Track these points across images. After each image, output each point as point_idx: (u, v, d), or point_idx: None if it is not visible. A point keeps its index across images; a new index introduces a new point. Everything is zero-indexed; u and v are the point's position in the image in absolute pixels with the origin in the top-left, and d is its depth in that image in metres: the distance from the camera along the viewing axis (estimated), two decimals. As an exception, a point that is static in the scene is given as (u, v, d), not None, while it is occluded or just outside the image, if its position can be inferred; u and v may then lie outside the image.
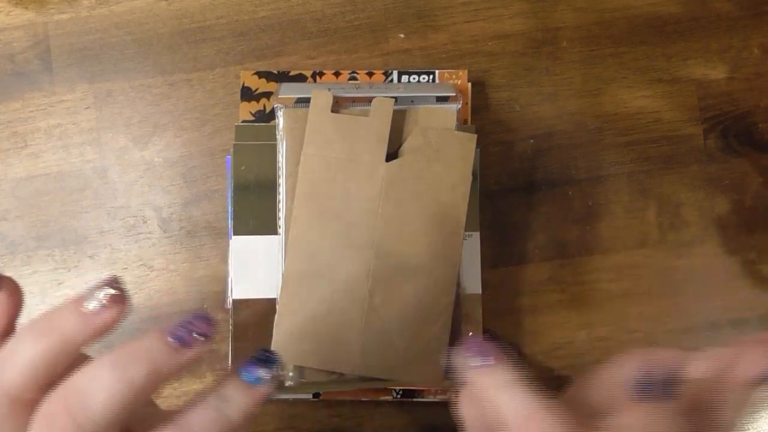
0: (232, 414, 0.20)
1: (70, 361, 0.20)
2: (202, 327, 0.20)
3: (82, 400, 0.18)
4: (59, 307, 0.20)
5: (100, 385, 0.18)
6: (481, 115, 0.44)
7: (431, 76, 0.43)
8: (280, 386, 0.39)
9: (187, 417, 0.20)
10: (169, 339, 0.20)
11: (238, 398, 0.20)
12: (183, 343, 0.20)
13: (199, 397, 0.21)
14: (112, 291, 0.20)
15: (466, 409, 0.28)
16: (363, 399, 0.41)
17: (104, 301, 0.20)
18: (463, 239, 0.39)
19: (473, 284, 0.41)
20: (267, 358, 0.21)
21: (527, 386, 0.23)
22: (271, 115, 0.42)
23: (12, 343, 0.19)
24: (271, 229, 0.40)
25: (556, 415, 0.22)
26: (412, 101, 0.40)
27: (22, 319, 0.43)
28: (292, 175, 0.39)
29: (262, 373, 0.21)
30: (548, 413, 0.22)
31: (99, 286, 0.20)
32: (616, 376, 0.24)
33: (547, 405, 0.23)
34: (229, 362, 0.40)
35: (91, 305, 0.20)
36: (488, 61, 0.44)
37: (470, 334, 0.25)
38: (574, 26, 0.44)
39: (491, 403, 0.24)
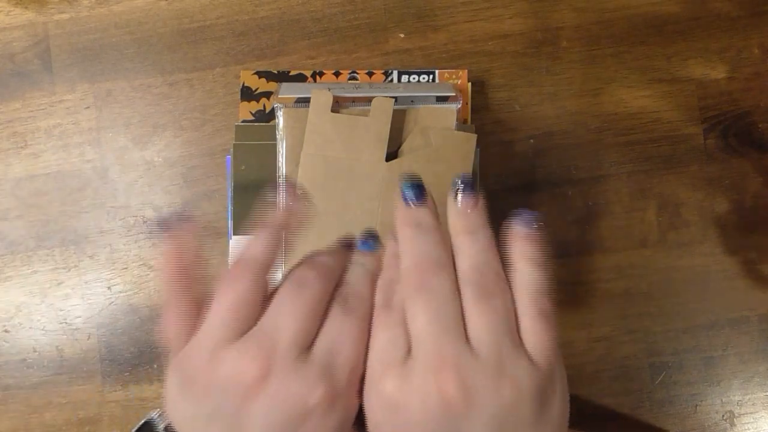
0: (370, 267, 0.27)
1: None
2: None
3: None
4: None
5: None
6: (481, 114, 0.44)
7: (431, 76, 0.43)
8: None
9: (346, 278, 0.26)
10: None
11: (365, 259, 0.28)
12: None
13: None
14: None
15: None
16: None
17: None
18: (463, 239, 0.39)
19: (473, 284, 0.41)
20: (369, 236, 0.29)
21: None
22: (271, 115, 0.42)
23: None
24: (271, 229, 0.40)
25: None
26: (412, 101, 0.40)
27: (21, 319, 0.42)
28: (292, 175, 0.39)
29: (370, 244, 0.29)
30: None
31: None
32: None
33: None
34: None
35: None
36: (488, 61, 0.44)
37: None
38: (574, 26, 0.44)
39: None
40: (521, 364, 0.23)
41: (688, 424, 0.43)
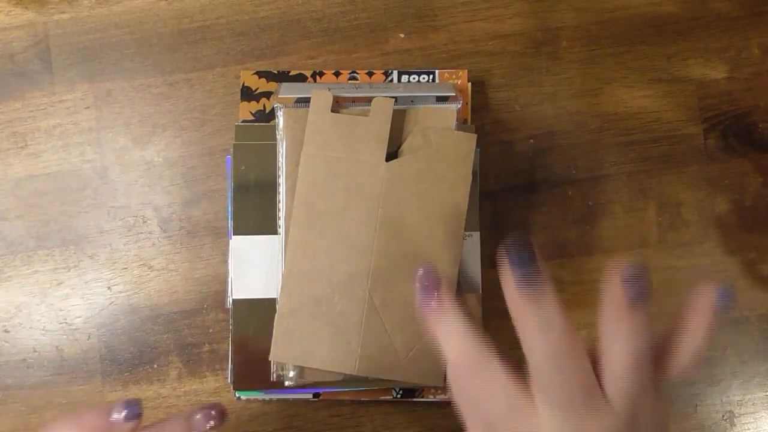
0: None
1: None
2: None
3: None
4: None
5: None
6: (481, 114, 0.44)
7: (431, 76, 0.43)
8: (281, 385, 0.39)
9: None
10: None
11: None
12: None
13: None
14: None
15: (453, 392, 0.28)
16: (363, 399, 0.41)
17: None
18: (463, 239, 0.39)
19: (473, 284, 0.41)
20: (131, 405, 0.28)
21: (466, 326, 0.26)
22: (271, 115, 0.42)
23: None
24: (271, 229, 0.40)
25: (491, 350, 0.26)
26: (412, 101, 0.40)
27: (21, 319, 0.42)
28: (292, 175, 0.39)
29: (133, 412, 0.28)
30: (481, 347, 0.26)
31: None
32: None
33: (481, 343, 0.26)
34: (229, 362, 0.40)
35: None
36: (488, 61, 0.44)
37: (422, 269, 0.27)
38: (574, 26, 0.44)
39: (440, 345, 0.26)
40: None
41: (688, 424, 0.43)
